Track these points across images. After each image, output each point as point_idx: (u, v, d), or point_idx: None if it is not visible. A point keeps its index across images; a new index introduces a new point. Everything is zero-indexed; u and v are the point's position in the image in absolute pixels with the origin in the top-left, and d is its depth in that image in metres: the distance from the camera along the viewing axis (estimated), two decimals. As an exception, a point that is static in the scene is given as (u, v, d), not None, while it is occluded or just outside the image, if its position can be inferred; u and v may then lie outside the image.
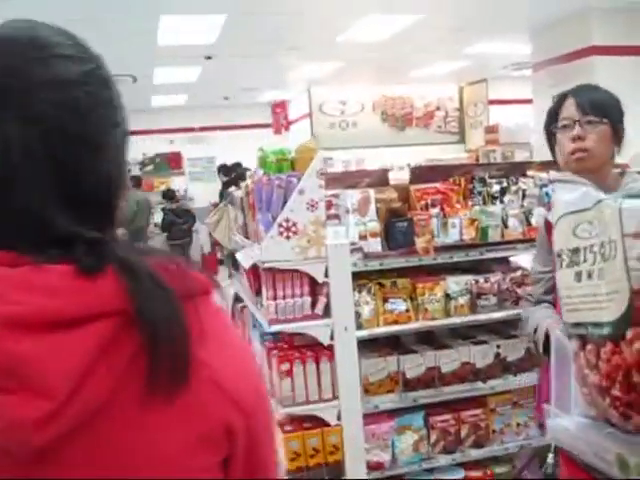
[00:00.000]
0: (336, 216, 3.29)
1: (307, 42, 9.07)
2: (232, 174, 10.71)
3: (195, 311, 0.82)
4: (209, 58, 9.74)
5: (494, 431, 3.54)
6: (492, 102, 12.70)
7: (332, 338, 3.10)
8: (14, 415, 0.70)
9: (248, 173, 4.47)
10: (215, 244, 11.54)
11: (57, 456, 0.75)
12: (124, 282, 0.77)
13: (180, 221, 11.84)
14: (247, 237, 3.38)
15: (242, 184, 4.03)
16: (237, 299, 4.20)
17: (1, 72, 0.79)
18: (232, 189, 6.26)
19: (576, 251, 1.59)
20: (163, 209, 12.16)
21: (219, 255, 12.06)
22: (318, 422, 3.16)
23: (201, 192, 14.25)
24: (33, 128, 0.78)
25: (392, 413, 3.40)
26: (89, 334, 0.74)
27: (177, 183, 14.57)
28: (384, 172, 3.76)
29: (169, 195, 12.50)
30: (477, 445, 3.51)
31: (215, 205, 10.31)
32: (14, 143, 0.77)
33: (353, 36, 8.74)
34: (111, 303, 0.76)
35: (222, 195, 10.66)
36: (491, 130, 10.05)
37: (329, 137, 11.91)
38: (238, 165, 11.10)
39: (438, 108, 13.36)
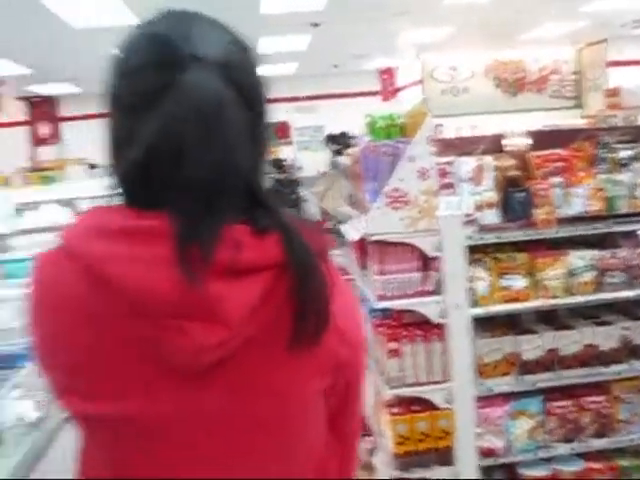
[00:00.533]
0: (449, 185, 3.03)
1: (415, 6, 8.72)
2: (341, 142, 10.55)
3: (325, 266, 0.99)
4: (316, 25, 9.55)
5: (620, 420, 3.21)
6: (611, 64, 11.87)
7: (443, 316, 2.88)
8: (196, 338, 0.87)
9: (353, 140, 4.25)
10: (324, 213, 11.43)
11: (213, 377, 0.92)
12: (283, 241, 0.93)
13: (287, 191, 11.81)
14: (354, 207, 3.19)
15: (348, 151, 3.83)
16: (344, 272, 4.03)
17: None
18: (340, 157, 6.08)
19: None
20: (272, 179, 12.17)
21: (329, 224, 11.95)
22: (427, 405, 2.95)
23: (310, 161, 14.17)
24: (249, 112, 0.95)
25: (507, 397, 3.15)
26: (258, 281, 0.91)
27: (285, 152, 14.54)
28: (499, 138, 3.46)
29: (277, 165, 12.49)
30: (599, 435, 3.21)
31: (323, 174, 10.17)
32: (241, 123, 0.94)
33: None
34: (274, 257, 0.93)
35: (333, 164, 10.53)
36: (612, 93, 9.42)
37: (440, 104, 11.49)
38: (343, 135, 10.92)
39: (553, 72, 12.62)
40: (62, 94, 14.37)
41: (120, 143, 0.97)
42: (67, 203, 5.86)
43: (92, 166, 11.33)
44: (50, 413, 4.12)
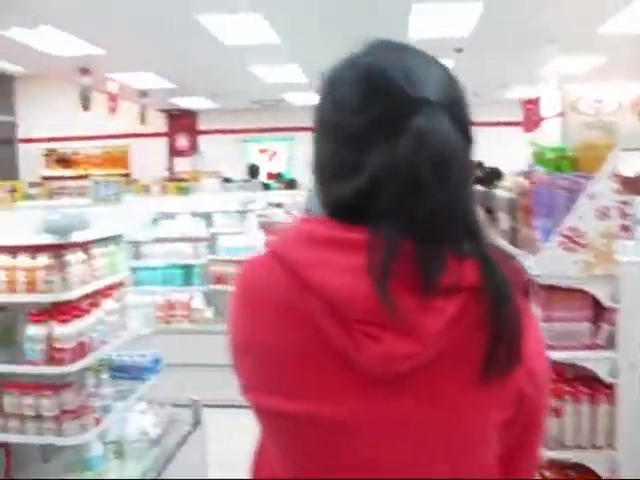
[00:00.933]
0: (626, 227, 2.68)
1: (567, 34, 8.28)
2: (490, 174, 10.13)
3: (520, 298, 0.97)
4: (460, 51, 9.28)
5: None
6: None
7: (615, 375, 2.52)
8: (389, 346, 0.90)
9: (507, 173, 3.92)
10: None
11: (401, 386, 0.94)
12: (481, 267, 0.93)
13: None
14: (514, 245, 2.89)
15: (502, 183, 3.52)
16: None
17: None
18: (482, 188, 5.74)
19: None
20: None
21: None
22: (586, 473, 2.59)
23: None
24: (467, 146, 1.00)
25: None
26: (453, 302, 0.92)
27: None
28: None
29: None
30: None
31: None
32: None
33: (616, 27, 7.81)
34: (471, 281, 0.92)
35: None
36: None
37: (581, 138, 10.88)
38: (480, 164, 10.48)
39: None
40: (201, 108, 14.75)
41: (336, 170, 1.01)
42: (201, 215, 5.84)
43: (226, 180, 11.48)
44: (171, 430, 4.07)
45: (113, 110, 10.58)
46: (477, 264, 0.93)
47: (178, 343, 5.57)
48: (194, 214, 5.83)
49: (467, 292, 0.92)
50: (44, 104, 14.44)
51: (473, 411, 0.97)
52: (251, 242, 5.76)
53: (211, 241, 5.81)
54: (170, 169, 15.25)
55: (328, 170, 1.04)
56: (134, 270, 5.78)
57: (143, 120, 11.94)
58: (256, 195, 6.36)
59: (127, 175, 14.94)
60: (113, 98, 10.49)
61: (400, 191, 0.92)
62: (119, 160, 15.36)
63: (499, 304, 0.93)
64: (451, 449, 0.97)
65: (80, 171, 15.13)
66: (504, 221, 3.10)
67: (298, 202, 9.54)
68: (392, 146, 0.93)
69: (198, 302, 5.71)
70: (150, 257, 5.90)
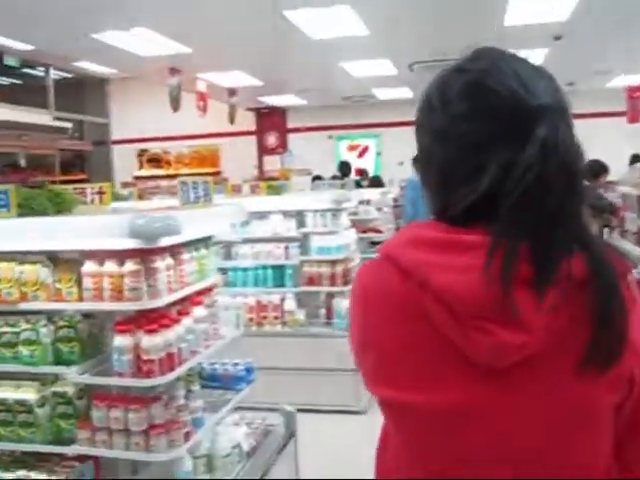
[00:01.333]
0: None
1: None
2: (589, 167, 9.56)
3: (626, 286, 1.03)
4: (558, 38, 8.76)
5: None
6: None
7: None
8: (500, 338, 0.96)
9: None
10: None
11: (511, 375, 1.00)
12: (587, 259, 0.99)
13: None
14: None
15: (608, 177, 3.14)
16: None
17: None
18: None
19: None
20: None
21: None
22: None
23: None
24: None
25: None
26: (557, 293, 0.97)
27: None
28: None
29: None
30: None
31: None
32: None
33: None
34: (577, 273, 0.98)
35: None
36: None
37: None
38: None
39: None
40: (289, 105, 14.64)
41: (454, 176, 1.06)
42: (292, 214, 5.64)
43: (317, 177, 11.31)
44: (264, 442, 3.87)
45: (203, 110, 10.57)
46: (585, 259, 0.99)
47: (269, 346, 5.41)
48: (285, 213, 5.64)
49: (574, 286, 0.98)
50: (137, 105, 14.71)
51: (581, 396, 1.01)
52: (344, 241, 5.54)
53: (303, 241, 5.61)
54: (260, 168, 15.24)
55: (444, 176, 1.08)
56: (225, 271, 5.66)
57: (232, 119, 11.90)
58: (349, 193, 6.11)
59: (218, 173, 15.05)
60: (202, 98, 10.48)
61: (524, 195, 0.97)
62: (209, 159, 15.46)
63: (606, 295, 0.99)
64: (563, 434, 1.02)
65: (171, 171, 15.32)
66: (631, 221, 2.75)
67: (387, 200, 9.31)
68: (516, 153, 0.98)
69: (290, 304, 5.52)
70: (241, 258, 5.75)
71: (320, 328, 5.50)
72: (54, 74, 13.49)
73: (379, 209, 8.61)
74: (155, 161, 15.64)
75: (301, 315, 5.47)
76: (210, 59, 9.32)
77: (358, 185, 11.17)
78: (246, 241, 5.69)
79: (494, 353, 0.97)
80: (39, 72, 13.13)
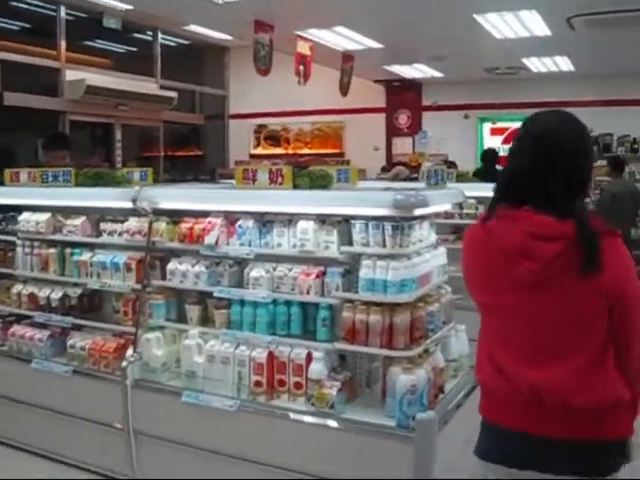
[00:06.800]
0: None
1: None
2: None
3: (604, 240, 1.91)
4: None
5: None
6: None
7: None
8: (527, 265, 1.92)
9: None
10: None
11: (539, 287, 1.94)
12: (576, 222, 1.90)
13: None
14: None
15: None
16: None
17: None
18: None
19: None
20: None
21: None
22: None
23: None
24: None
25: None
26: (557, 244, 1.89)
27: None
28: None
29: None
30: None
31: None
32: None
33: None
34: (568, 232, 1.89)
35: None
36: None
37: None
38: None
39: None
40: (424, 78, 12.15)
41: (517, 173, 2.03)
42: (333, 222, 3.40)
43: (451, 164, 8.92)
44: None
45: (304, 77, 8.45)
46: (574, 222, 1.90)
47: (280, 429, 3.24)
48: (325, 220, 3.43)
49: (568, 238, 1.89)
50: (256, 77, 12.84)
51: (580, 297, 1.92)
52: (413, 273, 3.20)
53: (350, 266, 3.38)
54: (388, 150, 12.93)
55: (511, 173, 2.07)
56: (227, 304, 3.56)
57: (345, 91, 9.71)
58: (427, 194, 3.69)
59: (341, 155, 12.94)
60: (304, 61, 8.35)
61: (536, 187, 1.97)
62: (332, 138, 13.32)
63: (587, 242, 1.87)
64: (570, 323, 1.95)
65: (290, 150, 13.38)
66: None
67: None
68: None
69: (318, 368, 3.25)
70: (252, 285, 3.60)
71: (361, 413, 3.22)
72: (170, 40, 11.98)
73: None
74: (273, 139, 13.73)
75: (334, 389, 3.22)
76: (307, 9, 7.15)
77: (494, 177, 8.67)
78: (261, 258, 3.53)
79: (526, 275, 1.93)
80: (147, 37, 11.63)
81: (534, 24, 7.63)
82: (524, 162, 1.99)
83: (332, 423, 3.18)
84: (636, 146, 10.80)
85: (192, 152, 13.26)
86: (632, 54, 9.20)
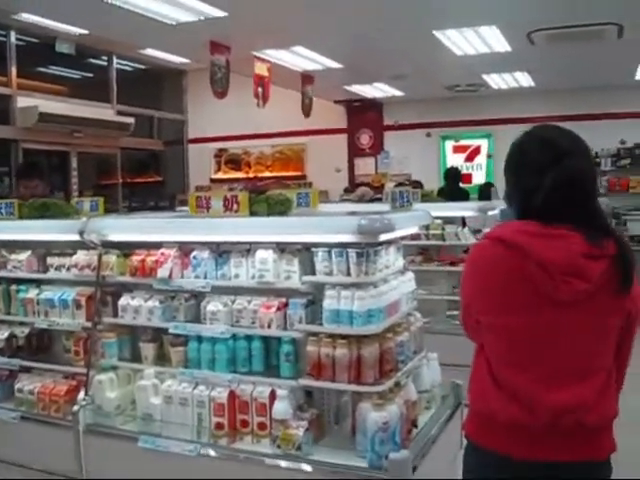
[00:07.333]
0: None
1: None
2: None
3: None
4: None
5: None
6: None
7: None
8: (576, 286, 1.86)
9: None
10: None
11: (576, 305, 1.88)
12: (615, 240, 1.92)
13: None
14: None
15: None
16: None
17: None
18: None
19: None
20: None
21: None
22: None
23: None
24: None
25: None
26: (603, 262, 1.87)
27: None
28: None
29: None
30: None
31: None
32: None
33: None
34: (611, 250, 1.89)
35: None
36: None
37: None
38: None
39: None
40: (384, 97, 12.07)
41: (529, 190, 1.94)
42: (293, 251, 3.20)
43: (416, 184, 8.74)
44: None
45: (262, 99, 8.27)
46: (614, 241, 1.91)
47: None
48: (284, 249, 3.23)
49: (611, 257, 1.88)
50: (215, 100, 12.64)
51: (609, 315, 1.92)
52: (379, 303, 3.02)
53: (314, 297, 3.17)
54: (350, 171, 12.80)
55: (523, 192, 1.98)
56: (184, 341, 3.33)
57: (307, 112, 9.57)
58: (394, 217, 3.49)
59: (303, 177, 12.79)
60: (262, 82, 8.18)
61: (561, 200, 1.92)
62: (293, 161, 13.15)
63: (627, 262, 1.90)
64: (597, 341, 1.94)
65: (251, 174, 13.18)
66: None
67: (491, 217, 6.62)
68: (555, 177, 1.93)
69: (283, 408, 3.01)
70: (209, 320, 3.37)
71: (331, 454, 3.00)
72: (126, 65, 11.73)
73: (477, 231, 5.98)
74: (234, 162, 13.51)
75: (300, 430, 3.00)
76: (263, 28, 6.99)
77: (466, 197, 8.61)
78: (218, 291, 3.31)
79: (572, 294, 1.85)
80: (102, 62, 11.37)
81: (494, 40, 7.58)
82: (552, 179, 1.91)
83: (299, 466, 2.95)
84: (597, 159, 10.82)
85: (151, 178, 12.99)
86: (591, 69, 9.25)
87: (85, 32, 8.20)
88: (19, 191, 5.26)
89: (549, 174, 1.89)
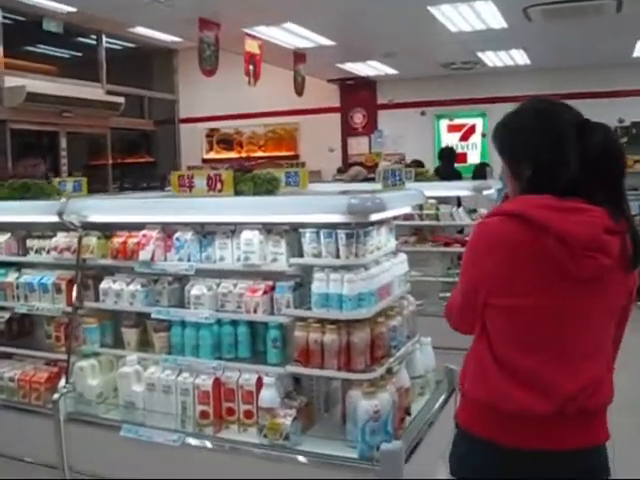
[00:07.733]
0: None
1: None
2: None
3: None
4: None
5: None
6: None
7: None
8: (600, 261, 1.76)
9: None
10: None
11: (593, 282, 1.80)
12: (628, 221, 1.85)
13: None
14: None
15: None
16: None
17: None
18: None
19: None
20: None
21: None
22: None
23: None
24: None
25: None
26: (615, 238, 1.79)
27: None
28: None
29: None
30: None
31: None
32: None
33: None
34: (622, 228, 1.82)
35: None
36: None
37: None
38: None
39: None
40: (378, 76, 11.86)
41: (549, 164, 1.84)
42: (280, 232, 3.05)
43: (418, 163, 8.57)
44: None
45: (253, 77, 8.07)
46: (626, 219, 1.85)
47: (230, 467, 2.89)
48: (270, 229, 3.09)
49: (622, 234, 1.82)
50: (206, 80, 12.41)
51: (618, 293, 1.89)
52: (371, 285, 2.88)
53: (301, 280, 3.04)
54: (344, 151, 12.62)
55: (542, 166, 1.86)
56: (167, 326, 3.19)
57: (300, 91, 9.37)
58: (387, 197, 3.34)
59: (295, 157, 12.61)
60: (253, 60, 7.98)
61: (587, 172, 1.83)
62: (286, 141, 12.96)
63: (638, 235, 1.86)
64: (608, 320, 1.91)
65: (243, 153, 12.99)
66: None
67: (487, 197, 6.47)
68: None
69: (270, 395, 2.87)
70: (193, 305, 3.22)
71: (320, 444, 2.87)
72: (115, 44, 11.49)
73: (472, 211, 5.84)
74: (226, 142, 13.31)
75: (288, 419, 2.87)
76: (254, 4, 6.78)
77: (459, 176, 8.46)
78: (202, 274, 3.17)
79: (595, 270, 1.76)
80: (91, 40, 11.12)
81: (490, 15, 7.38)
82: (567, 153, 1.83)
83: (287, 456, 2.82)
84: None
85: (142, 159, 12.78)
86: (587, 46, 9.06)
87: (73, 10, 8.00)
88: (17, 170, 5.16)
89: (584, 147, 1.83)
